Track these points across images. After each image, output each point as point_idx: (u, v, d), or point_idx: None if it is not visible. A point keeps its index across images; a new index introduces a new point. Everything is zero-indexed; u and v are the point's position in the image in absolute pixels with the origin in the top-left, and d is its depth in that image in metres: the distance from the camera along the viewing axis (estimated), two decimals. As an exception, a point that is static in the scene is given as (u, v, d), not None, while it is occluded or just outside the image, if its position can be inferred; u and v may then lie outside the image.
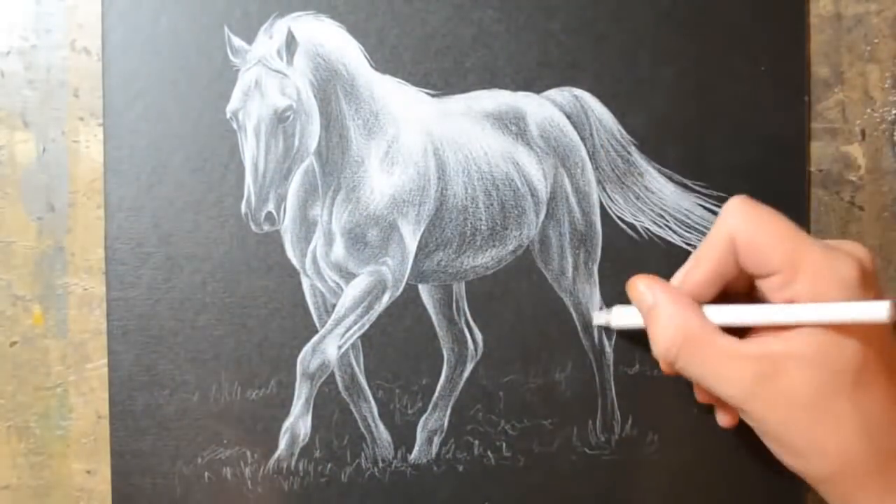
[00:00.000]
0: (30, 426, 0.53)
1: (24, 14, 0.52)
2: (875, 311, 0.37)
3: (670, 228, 0.53)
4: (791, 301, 0.40)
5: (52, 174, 0.52)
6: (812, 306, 0.39)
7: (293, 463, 0.51)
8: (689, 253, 0.52)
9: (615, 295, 0.52)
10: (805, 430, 0.41)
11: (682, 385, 0.52)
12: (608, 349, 0.53)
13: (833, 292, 0.38)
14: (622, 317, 0.50)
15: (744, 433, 0.52)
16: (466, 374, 0.52)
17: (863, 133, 0.54)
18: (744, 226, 0.41)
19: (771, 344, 0.40)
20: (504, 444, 0.52)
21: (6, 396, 0.53)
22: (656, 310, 0.43)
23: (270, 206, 0.50)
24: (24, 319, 0.52)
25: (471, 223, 0.52)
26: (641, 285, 0.45)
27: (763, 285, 0.42)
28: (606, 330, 0.53)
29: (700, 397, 0.50)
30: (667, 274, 0.52)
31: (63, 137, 0.52)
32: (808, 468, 0.42)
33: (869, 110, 0.54)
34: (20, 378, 0.53)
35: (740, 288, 0.45)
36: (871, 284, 0.40)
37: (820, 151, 0.54)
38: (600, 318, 0.52)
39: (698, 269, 0.44)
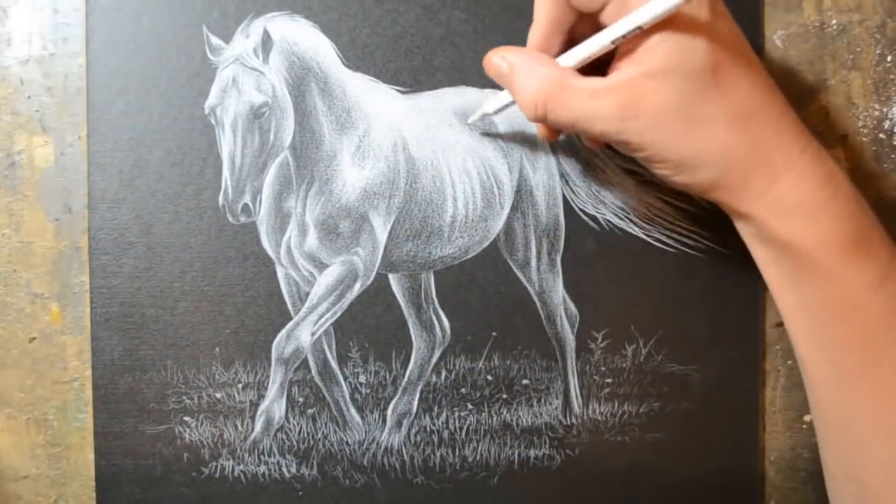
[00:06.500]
0: (48, 418, 0.54)
1: (43, 24, 0.53)
2: None
3: (630, 220, 0.53)
4: None
5: (70, 177, 0.53)
6: (641, 9, 0.38)
7: (268, 444, 0.53)
8: (649, 244, 0.53)
9: (577, 285, 0.53)
10: (682, 141, 0.40)
11: (642, 373, 0.54)
12: (570, 336, 0.53)
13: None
14: (495, 101, 0.48)
15: (700, 418, 0.53)
16: (434, 359, 0.53)
17: (845, 138, 0.55)
18: None
19: (628, 71, 0.39)
20: (470, 427, 0.53)
21: (25, 390, 0.54)
22: (514, 72, 0.42)
23: (247, 199, 0.51)
24: (42, 316, 0.54)
25: (438, 215, 0.53)
26: (495, 57, 0.44)
27: (605, 21, 0.41)
28: (569, 318, 0.53)
29: (589, 144, 0.51)
30: (630, 266, 0.53)
31: (79, 142, 0.53)
32: (695, 180, 0.41)
33: (852, 116, 0.55)
34: (39, 372, 0.54)
35: (588, 32, 0.43)
36: None
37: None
38: (475, 115, 0.50)
39: (537, 25, 0.43)
